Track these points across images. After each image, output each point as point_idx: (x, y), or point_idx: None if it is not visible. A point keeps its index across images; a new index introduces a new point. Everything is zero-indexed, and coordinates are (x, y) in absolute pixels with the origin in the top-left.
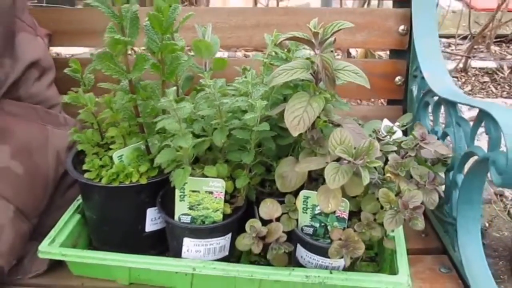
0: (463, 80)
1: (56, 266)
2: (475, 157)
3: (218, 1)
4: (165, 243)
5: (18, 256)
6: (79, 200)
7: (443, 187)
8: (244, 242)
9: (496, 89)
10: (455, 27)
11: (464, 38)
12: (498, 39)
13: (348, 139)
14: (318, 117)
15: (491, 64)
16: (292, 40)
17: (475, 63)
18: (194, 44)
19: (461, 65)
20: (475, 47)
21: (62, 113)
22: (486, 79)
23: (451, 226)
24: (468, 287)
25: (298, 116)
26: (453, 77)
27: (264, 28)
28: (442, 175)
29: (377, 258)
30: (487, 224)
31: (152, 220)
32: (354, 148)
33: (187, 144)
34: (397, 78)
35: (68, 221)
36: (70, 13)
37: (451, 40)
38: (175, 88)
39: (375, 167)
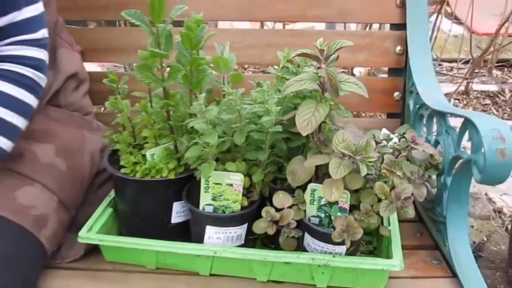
0: (465, 102)
1: (91, 253)
2: (461, 160)
3: (226, 24)
4: (187, 234)
5: (58, 243)
6: (110, 196)
7: (435, 190)
8: (260, 225)
9: (498, 111)
10: (457, 51)
11: (466, 62)
12: (500, 64)
13: (349, 139)
14: (324, 121)
15: (492, 88)
16: (301, 56)
17: (477, 86)
18: (214, 60)
19: (462, 88)
20: (477, 71)
21: (95, 120)
22: (488, 101)
23: (442, 224)
24: (456, 275)
25: (307, 119)
26: (454, 99)
27: (274, 47)
28: (434, 178)
29: (375, 251)
30: (485, 239)
31: (177, 213)
32: (354, 145)
33: (214, 140)
34: (396, 94)
35: (102, 214)
36: (96, 32)
37: (453, 64)
38: (204, 94)
39: (372, 165)
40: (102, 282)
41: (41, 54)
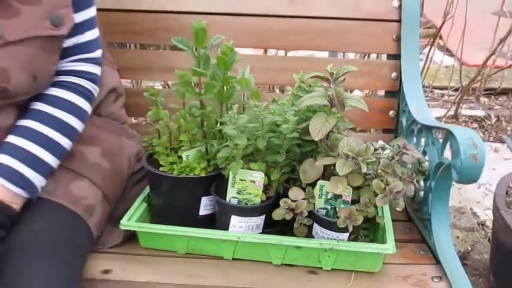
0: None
1: (128, 240)
2: (443, 166)
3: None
4: (212, 225)
5: (101, 231)
6: (145, 193)
7: (422, 193)
8: (279, 212)
9: (484, 134)
10: (447, 80)
11: (456, 90)
12: (487, 92)
13: (352, 144)
14: (331, 131)
15: (480, 113)
16: (314, 78)
17: (465, 111)
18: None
19: (452, 112)
20: (466, 97)
21: (130, 128)
22: (475, 125)
23: (427, 221)
24: (439, 262)
25: (318, 128)
26: (445, 122)
27: (286, 71)
28: (422, 183)
29: (372, 239)
30: (469, 248)
31: (205, 206)
32: (356, 149)
33: (243, 142)
34: (391, 112)
35: (138, 207)
36: (130, 53)
37: (444, 91)
38: (237, 105)
39: (370, 166)
40: (139, 265)
41: (97, 70)
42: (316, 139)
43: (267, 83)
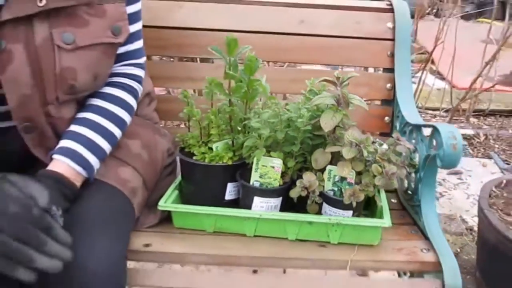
0: None
1: (162, 222)
2: (430, 156)
3: None
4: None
5: (140, 213)
6: (176, 183)
7: (413, 184)
8: (296, 190)
9: (473, 151)
10: (439, 101)
11: (447, 111)
12: (476, 113)
13: (355, 134)
14: (338, 125)
15: (469, 132)
16: (323, 82)
17: None
18: None
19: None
20: (457, 118)
21: (162, 128)
22: (465, 142)
23: (418, 207)
24: (428, 238)
25: (328, 121)
26: None
27: (296, 82)
28: (413, 176)
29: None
30: (458, 250)
31: (230, 192)
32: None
33: (267, 132)
34: (386, 118)
35: (171, 193)
36: (158, 64)
37: (436, 112)
38: (261, 103)
39: (370, 153)
40: (174, 240)
41: (142, 73)
42: (326, 130)
43: (280, 92)
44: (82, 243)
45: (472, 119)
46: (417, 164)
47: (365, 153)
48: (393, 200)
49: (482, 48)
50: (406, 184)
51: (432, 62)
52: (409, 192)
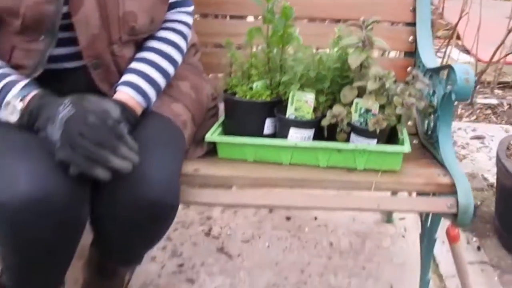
0: (470, 111)
1: (208, 154)
2: (446, 94)
3: None
4: None
5: (189, 146)
6: (219, 121)
7: (432, 125)
8: (327, 119)
9: (497, 119)
10: None
11: None
12: (501, 85)
13: (379, 69)
14: (363, 64)
15: (493, 101)
16: (351, 25)
17: (480, 100)
18: None
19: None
20: (482, 90)
21: (205, 75)
22: (489, 111)
23: (436, 143)
24: (444, 167)
25: (354, 59)
26: (461, 109)
27: (325, 35)
28: (432, 117)
29: None
30: (479, 203)
31: (267, 127)
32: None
33: (301, 69)
34: (409, 68)
35: (216, 129)
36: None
37: None
38: (296, 44)
39: (391, 86)
40: (220, 167)
41: (191, 20)
42: (353, 67)
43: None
44: (144, 157)
45: (496, 91)
46: (435, 106)
47: (387, 85)
48: (414, 141)
49: (506, 24)
50: (426, 126)
51: (458, 38)
52: (429, 132)
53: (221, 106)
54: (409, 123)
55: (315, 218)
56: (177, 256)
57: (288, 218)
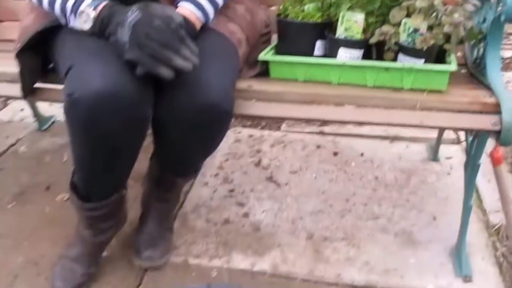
0: None
1: (260, 75)
2: (495, 16)
3: None
4: None
5: (243, 65)
6: (272, 45)
7: (481, 53)
8: (375, 37)
9: None
10: None
11: None
12: None
13: None
14: None
15: None
16: None
17: None
18: None
19: None
20: None
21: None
22: None
23: (484, 69)
24: (490, 89)
25: None
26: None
27: None
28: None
29: None
30: None
31: (318, 48)
32: None
33: None
34: None
35: (269, 51)
36: None
37: None
38: None
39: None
40: (272, 84)
41: None
42: None
43: None
44: (204, 65)
45: None
46: (485, 32)
47: (436, 2)
48: (463, 71)
49: None
50: (475, 55)
51: None
52: (477, 61)
53: (274, 37)
54: (458, 54)
55: (362, 154)
56: (228, 182)
57: (335, 154)
